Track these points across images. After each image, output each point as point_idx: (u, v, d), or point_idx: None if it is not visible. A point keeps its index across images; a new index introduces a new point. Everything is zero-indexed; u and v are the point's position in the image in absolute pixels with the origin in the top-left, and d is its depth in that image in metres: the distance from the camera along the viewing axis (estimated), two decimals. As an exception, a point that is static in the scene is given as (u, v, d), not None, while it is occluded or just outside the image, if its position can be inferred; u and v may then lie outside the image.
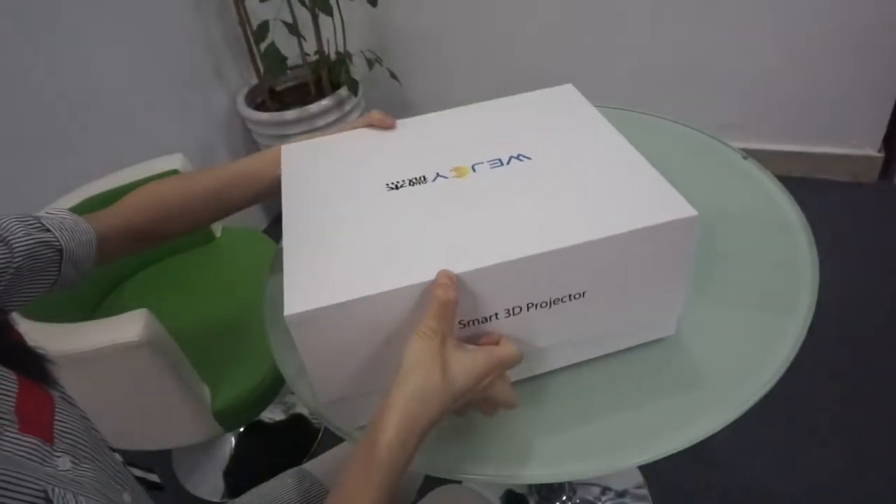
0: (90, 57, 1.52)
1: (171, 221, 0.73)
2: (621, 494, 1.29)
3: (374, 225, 0.60)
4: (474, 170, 0.66)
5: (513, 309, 0.57)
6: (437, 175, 0.66)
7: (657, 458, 0.58)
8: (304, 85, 2.00)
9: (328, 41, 1.90)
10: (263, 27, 1.76)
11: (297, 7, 1.80)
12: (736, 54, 1.82)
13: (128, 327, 0.91)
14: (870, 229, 1.78)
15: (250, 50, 1.90)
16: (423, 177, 0.66)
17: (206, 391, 1.09)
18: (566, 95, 0.81)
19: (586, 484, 1.30)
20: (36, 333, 0.85)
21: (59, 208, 0.65)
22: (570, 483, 1.29)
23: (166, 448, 1.16)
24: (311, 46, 1.90)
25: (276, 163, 0.72)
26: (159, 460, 1.51)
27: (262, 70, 1.93)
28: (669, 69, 1.92)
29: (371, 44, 2.11)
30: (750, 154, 0.90)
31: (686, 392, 0.63)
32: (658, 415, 0.62)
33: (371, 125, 0.77)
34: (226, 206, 0.75)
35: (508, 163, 0.66)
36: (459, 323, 0.56)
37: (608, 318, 0.62)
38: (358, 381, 0.58)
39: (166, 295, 1.32)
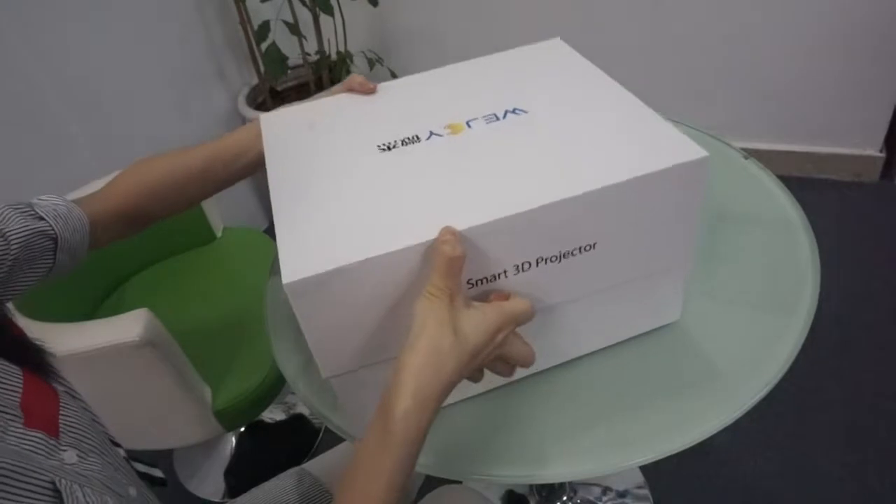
0: (90, 56, 1.52)
1: (161, 201, 0.72)
2: (622, 495, 1.29)
3: (370, 186, 0.56)
4: (469, 126, 0.62)
5: (522, 265, 0.53)
6: (431, 133, 0.61)
7: (658, 458, 0.58)
8: (305, 85, 2.00)
9: (329, 41, 1.90)
10: (264, 27, 1.76)
11: (298, 7, 1.80)
12: (736, 53, 1.82)
13: (128, 327, 0.91)
14: (871, 229, 1.78)
15: (251, 50, 1.90)
16: (416, 136, 0.61)
17: (207, 391, 1.09)
18: (556, 48, 0.78)
19: (587, 484, 1.30)
20: (37, 332, 0.86)
21: (51, 194, 0.64)
22: (570, 483, 1.29)
23: (168, 448, 1.16)
24: (311, 46, 1.90)
25: (260, 134, 0.69)
26: (160, 460, 1.51)
27: (262, 70, 1.93)
28: (670, 68, 1.91)
29: (372, 44, 2.11)
30: (751, 153, 0.90)
31: (687, 392, 0.63)
32: (659, 415, 0.62)
33: (351, 90, 0.73)
34: (214, 182, 0.73)
35: (504, 117, 0.63)
36: (467, 283, 0.53)
37: (619, 267, 0.59)
38: (364, 352, 0.55)
39: (167, 295, 1.32)
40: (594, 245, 0.55)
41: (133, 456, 0.57)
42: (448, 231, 0.49)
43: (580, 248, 0.54)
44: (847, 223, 1.79)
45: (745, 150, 0.91)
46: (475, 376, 0.54)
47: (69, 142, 1.49)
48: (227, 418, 1.11)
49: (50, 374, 0.49)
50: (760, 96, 1.88)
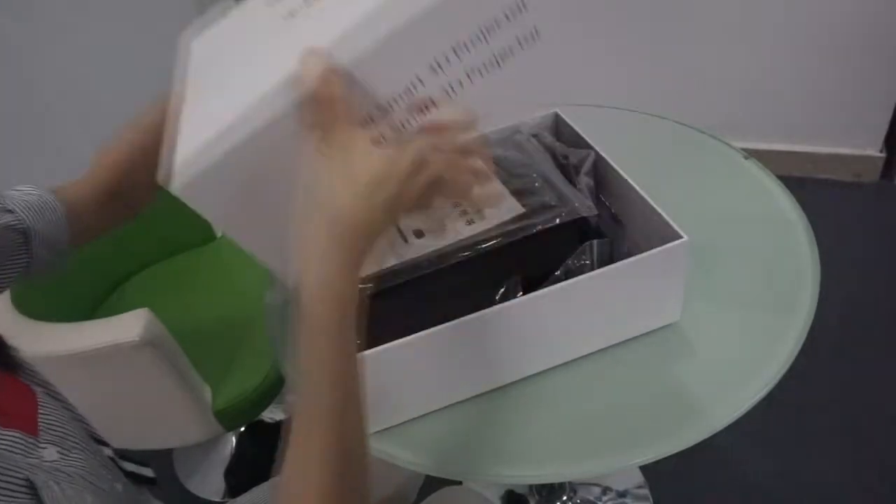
0: (92, 57, 1.52)
1: (136, 169, 0.62)
2: (622, 494, 1.29)
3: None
4: None
5: (436, 63, 0.40)
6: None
7: (658, 458, 0.58)
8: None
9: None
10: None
11: None
12: (737, 54, 1.82)
13: (128, 327, 0.91)
14: (871, 229, 1.78)
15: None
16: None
17: (207, 391, 1.09)
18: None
19: (587, 484, 1.30)
20: (37, 333, 0.86)
21: (25, 185, 0.59)
22: (570, 483, 1.29)
23: (168, 448, 1.16)
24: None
25: None
26: (160, 460, 1.51)
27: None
28: (671, 68, 1.91)
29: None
30: (751, 154, 0.90)
31: (687, 392, 0.63)
32: (659, 415, 0.62)
33: None
34: None
35: None
36: (378, 114, 0.41)
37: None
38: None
39: (167, 295, 1.31)
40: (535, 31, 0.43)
41: (123, 455, 0.57)
42: (310, 58, 0.38)
43: (506, 15, 0.41)
44: (847, 223, 1.79)
45: (745, 150, 0.91)
46: (420, 201, 0.41)
47: (74, 139, 1.49)
48: (227, 418, 1.11)
49: (27, 376, 0.49)
50: (761, 96, 1.88)
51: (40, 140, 1.42)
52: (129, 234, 1.27)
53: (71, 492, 0.40)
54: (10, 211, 0.54)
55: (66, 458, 0.44)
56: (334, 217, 0.38)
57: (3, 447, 0.40)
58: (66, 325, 0.95)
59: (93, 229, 0.64)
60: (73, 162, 1.45)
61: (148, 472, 0.60)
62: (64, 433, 0.46)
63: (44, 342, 0.91)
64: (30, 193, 0.57)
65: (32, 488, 0.38)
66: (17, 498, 0.37)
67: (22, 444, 0.42)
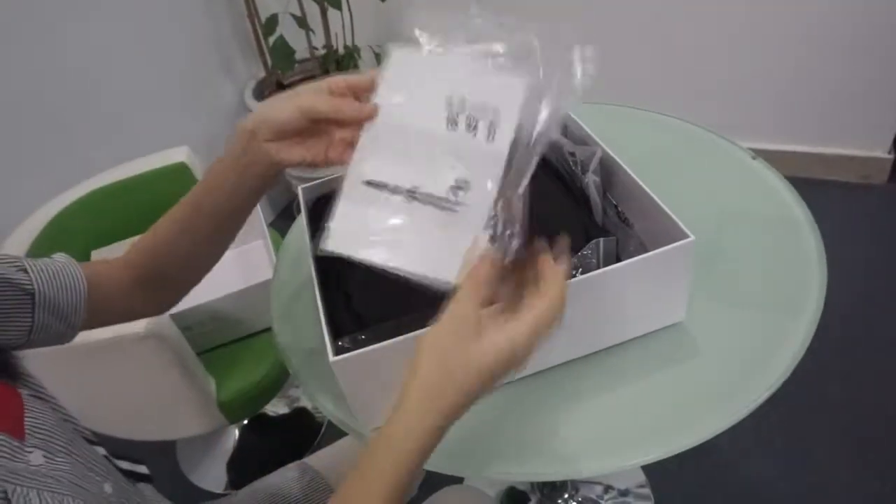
0: (97, 50, 1.52)
1: (169, 254, 0.63)
2: (624, 493, 1.29)
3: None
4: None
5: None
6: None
7: (661, 457, 0.58)
8: (312, 78, 2.00)
9: (336, 35, 1.90)
10: (272, 21, 1.75)
11: (306, 0, 1.80)
12: (745, 53, 1.81)
13: (133, 319, 0.91)
14: (879, 231, 1.77)
15: (258, 43, 1.90)
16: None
17: (212, 383, 1.09)
18: None
19: (589, 482, 1.30)
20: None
21: (60, 254, 0.58)
22: (572, 481, 1.29)
23: (172, 439, 1.16)
24: (319, 40, 1.90)
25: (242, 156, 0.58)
26: (163, 451, 1.52)
27: (270, 63, 1.93)
28: (679, 68, 1.91)
29: (379, 38, 2.11)
30: (759, 154, 0.90)
31: (691, 391, 0.63)
32: (662, 414, 0.61)
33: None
34: (215, 216, 0.61)
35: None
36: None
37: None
38: None
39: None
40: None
41: (117, 454, 0.57)
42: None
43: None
44: (854, 225, 1.78)
45: (752, 150, 0.90)
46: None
47: (75, 134, 1.50)
48: (230, 410, 1.11)
49: (15, 377, 0.49)
50: (769, 96, 1.87)
51: (47, 133, 1.43)
52: (130, 225, 1.28)
53: (51, 500, 0.40)
54: (24, 271, 0.53)
55: (52, 461, 0.44)
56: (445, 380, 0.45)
57: None
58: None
59: (116, 313, 0.63)
60: (81, 156, 1.46)
61: (143, 469, 0.60)
62: (50, 435, 0.46)
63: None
64: (55, 261, 0.56)
65: (6, 500, 0.38)
66: None
67: (7, 447, 0.41)
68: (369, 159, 0.54)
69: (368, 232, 0.52)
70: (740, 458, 1.31)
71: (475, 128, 0.54)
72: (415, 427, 0.45)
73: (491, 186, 0.52)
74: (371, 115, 0.55)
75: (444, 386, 0.45)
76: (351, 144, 0.56)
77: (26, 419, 0.45)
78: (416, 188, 0.53)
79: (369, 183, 0.54)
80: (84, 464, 0.48)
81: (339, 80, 0.57)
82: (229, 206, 0.61)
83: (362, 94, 0.57)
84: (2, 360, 0.49)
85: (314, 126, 0.56)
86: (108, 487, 0.49)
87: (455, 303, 0.47)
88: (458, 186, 0.53)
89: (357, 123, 0.56)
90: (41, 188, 1.22)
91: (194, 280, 0.67)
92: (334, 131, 0.57)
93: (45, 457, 0.44)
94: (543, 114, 0.53)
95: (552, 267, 0.49)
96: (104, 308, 0.60)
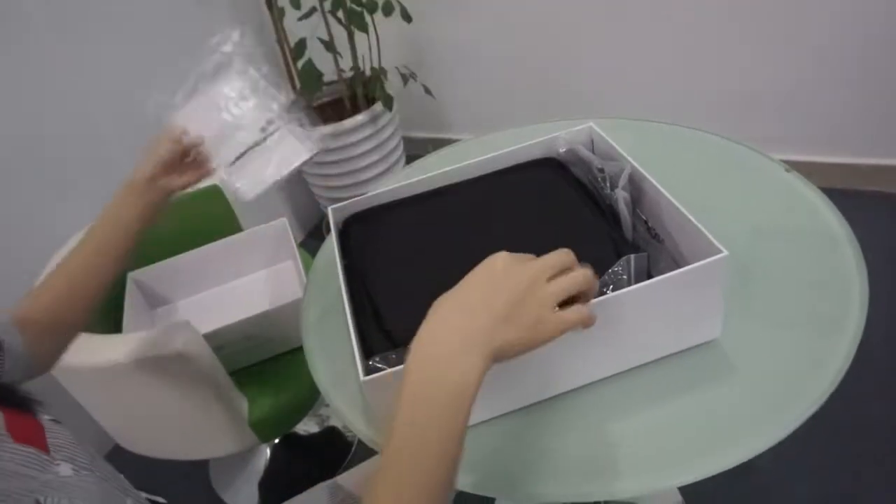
0: (135, 73, 1.58)
1: (76, 298, 0.72)
2: (659, 515, 1.26)
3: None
4: None
5: None
6: None
7: (698, 479, 0.56)
8: (340, 100, 2.03)
9: (363, 57, 1.93)
10: (301, 45, 1.79)
11: (334, 24, 1.83)
12: (778, 65, 1.78)
13: (168, 339, 0.93)
14: (921, 243, 1.71)
15: (287, 67, 1.94)
16: None
17: (244, 402, 1.11)
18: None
19: (623, 503, 1.27)
20: (78, 344, 0.88)
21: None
22: (606, 502, 1.26)
23: (205, 458, 1.18)
24: (346, 63, 1.93)
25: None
26: (197, 471, 1.53)
27: (298, 86, 1.97)
28: (711, 83, 1.89)
29: (406, 59, 2.14)
30: (793, 166, 0.88)
31: (728, 411, 0.61)
32: (698, 434, 0.60)
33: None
34: (121, 253, 0.74)
35: None
36: None
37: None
38: None
39: (205, 307, 1.34)
40: None
41: (136, 486, 0.58)
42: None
43: None
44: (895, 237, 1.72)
45: (786, 162, 0.89)
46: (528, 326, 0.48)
47: (114, 156, 1.54)
48: (262, 430, 1.12)
49: (28, 408, 0.50)
50: (803, 107, 1.84)
51: (83, 148, 1.48)
52: (165, 248, 1.30)
53: None
54: None
55: (79, 474, 0.45)
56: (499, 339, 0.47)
57: (19, 462, 0.41)
58: (107, 337, 0.97)
59: (44, 350, 0.70)
60: (113, 170, 1.50)
61: (160, 500, 0.62)
62: (74, 452, 0.47)
63: (85, 354, 0.93)
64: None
65: None
66: None
67: (37, 460, 0.43)
68: (221, 153, 0.78)
69: (255, 173, 0.76)
70: (780, 480, 1.27)
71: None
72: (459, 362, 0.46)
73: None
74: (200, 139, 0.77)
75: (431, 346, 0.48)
76: (204, 160, 0.77)
77: (48, 439, 0.47)
78: (253, 143, 0.79)
79: (236, 159, 0.78)
80: (106, 480, 0.49)
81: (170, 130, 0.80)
82: (131, 243, 0.75)
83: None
84: (17, 396, 0.51)
85: (179, 159, 0.76)
86: (130, 502, 0.50)
87: None
88: (264, 127, 0.81)
89: (197, 146, 0.77)
90: (80, 212, 1.26)
91: (79, 327, 0.76)
92: (186, 159, 0.77)
93: (72, 469, 0.45)
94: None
95: None
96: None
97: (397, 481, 0.44)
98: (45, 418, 0.49)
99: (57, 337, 0.73)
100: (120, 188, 0.75)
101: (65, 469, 0.44)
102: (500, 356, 0.47)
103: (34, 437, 0.46)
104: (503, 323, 0.47)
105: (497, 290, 0.48)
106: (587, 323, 0.50)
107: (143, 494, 0.59)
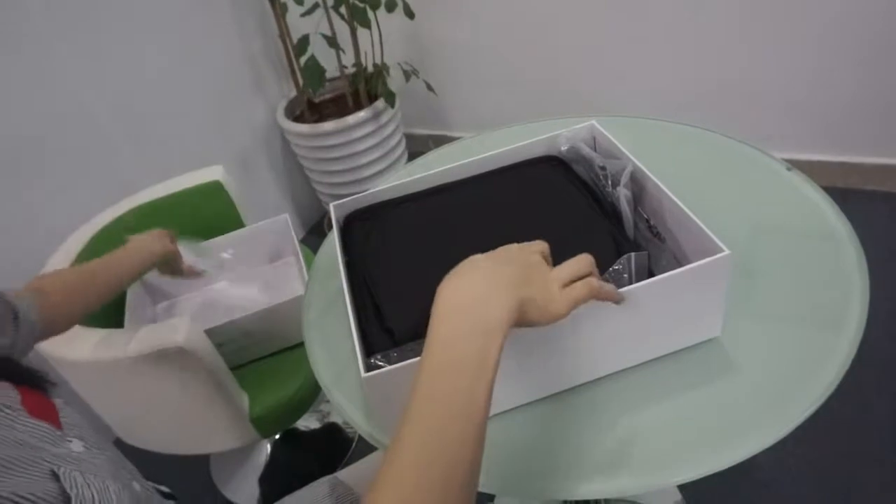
0: (136, 71, 1.58)
1: (59, 309, 0.78)
2: (659, 513, 1.26)
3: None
4: None
5: None
6: None
7: (698, 476, 0.56)
8: (342, 97, 2.03)
9: (366, 53, 1.93)
10: (304, 41, 1.79)
11: (337, 20, 1.83)
12: (779, 64, 1.78)
13: (170, 334, 0.93)
14: (923, 243, 1.71)
15: (290, 63, 1.94)
16: None
17: (245, 398, 1.11)
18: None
19: (623, 501, 1.27)
20: (83, 339, 0.89)
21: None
22: (606, 500, 1.26)
23: (205, 453, 1.18)
24: (349, 59, 1.93)
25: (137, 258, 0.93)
26: (197, 466, 1.54)
27: (301, 83, 1.97)
28: (713, 81, 1.88)
29: (408, 56, 2.14)
30: (794, 165, 0.88)
31: (729, 409, 0.61)
32: (699, 431, 0.60)
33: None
34: (111, 289, 0.88)
35: None
36: None
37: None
38: None
39: (206, 303, 1.34)
40: None
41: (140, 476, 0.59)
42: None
43: None
44: (897, 236, 1.72)
45: (787, 160, 0.89)
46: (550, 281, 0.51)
47: (116, 155, 1.55)
48: (263, 425, 1.12)
49: (43, 388, 0.52)
50: (804, 105, 1.83)
51: (88, 152, 1.48)
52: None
53: (94, 479, 0.42)
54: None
55: (90, 451, 0.46)
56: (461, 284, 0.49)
57: (36, 436, 0.42)
58: (109, 332, 0.98)
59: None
60: (119, 172, 1.51)
61: (165, 489, 0.64)
62: (84, 432, 0.49)
63: (87, 348, 0.94)
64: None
65: (56, 478, 0.39)
66: (42, 483, 0.38)
67: (50, 434, 0.44)
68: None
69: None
70: (781, 478, 1.27)
71: None
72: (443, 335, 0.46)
73: None
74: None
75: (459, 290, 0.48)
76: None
77: (61, 417, 0.48)
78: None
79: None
80: (114, 462, 0.50)
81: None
82: (124, 283, 0.92)
83: None
84: (33, 375, 0.52)
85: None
86: (136, 486, 0.51)
87: None
88: None
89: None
90: (83, 206, 1.27)
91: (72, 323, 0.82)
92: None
93: (84, 446, 0.46)
94: None
95: None
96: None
97: (423, 437, 0.42)
98: (58, 401, 0.51)
99: (69, 310, 0.80)
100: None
101: (77, 445, 0.45)
102: (523, 312, 0.48)
103: (48, 414, 0.47)
104: (524, 283, 0.49)
105: (511, 261, 0.51)
106: (602, 293, 0.53)
107: (150, 483, 0.60)
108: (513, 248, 0.53)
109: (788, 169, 0.88)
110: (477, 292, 0.47)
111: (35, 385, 0.50)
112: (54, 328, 0.77)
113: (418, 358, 0.56)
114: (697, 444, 0.59)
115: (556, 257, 0.55)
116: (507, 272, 0.49)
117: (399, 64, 2.01)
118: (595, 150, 0.82)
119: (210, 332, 1.02)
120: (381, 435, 0.66)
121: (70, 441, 0.45)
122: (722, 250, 0.59)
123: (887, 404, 1.36)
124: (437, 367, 0.44)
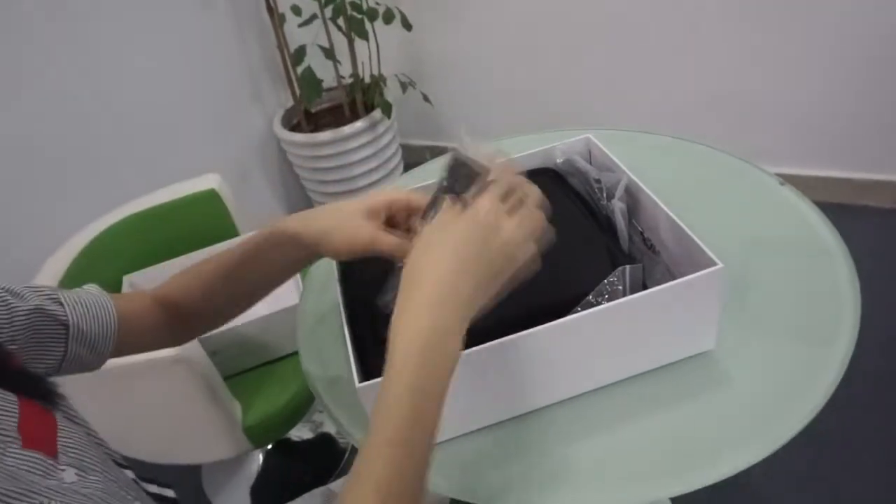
0: (132, 78, 1.58)
1: (207, 296, 0.67)
2: (652, 526, 1.26)
3: None
4: None
5: None
6: None
7: (691, 489, 0.56)
8: (339, 107, 2.04)
9: (363, 64, 1.94)
10: (300, 51, 1.80)
11: (334, 31, 1.84)
12: (773, 79, 1.80)
13: (163, 342, 0.93)
14: (914, 258, 1.73)
15: (287, 73, 1.95)
16: None
17: (238, 407, 1.10)
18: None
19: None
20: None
21: (91, 285, 0.62)
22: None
23: (198, 463, 1.17)
24: (346, 69, 1.94)
25: (316, 224, 0.65)
26: (188, 476, 1.53)
27: (298, 92, 1.98)
28: (709, 95, 1.90)
29: (405, 67, 2.15)
30: (787, 179, 0.88)
31: (721, 422, 0.62)
32: (691, 444, 0.60)
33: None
34: (265, 270, 0.67)
35: None
36: None
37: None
38: None
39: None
40: None
41: (145, 477, 0.58)
42: None
43: None
44: (889, 252, 1.74)
45: (780, 175, 0.89)
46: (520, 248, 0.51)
47: (112, 163, 1.55)
48: (255, 435, 1.12)
49: (48, 400, 0.51)
50: (797, 120, 1.85)
51: (83, 160, 1.48)
52: (163, 250, 1.30)
53: None
54: (59, 303, 0.57)
55: (85, 479, 0.45)
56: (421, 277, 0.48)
57: (24, 468, 0.41)
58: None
59: (142, 344, 0.66)
60: (116, 180, 1.51)
61: (170, 493, 0.62)
62: (82, 455, 0.47)
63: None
64: (88, 292, 0.60)
65: None
66: None
67: (41, 465, 0.43)
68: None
69: None
70: (774, 492, 1.27)
71: None
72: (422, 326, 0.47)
73: None
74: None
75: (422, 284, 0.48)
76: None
77: (59, 439, 0.47)
78: None
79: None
80: (116, 483, 0.49)
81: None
82: (278, 276, 0.69)
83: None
84: (38, 386, 0.51)
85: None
86: None
87: None
88: None
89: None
90: (79, 213, 1.26)
91: (221, 322, 0.72)
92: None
93: (77, 475, 0.45)
94: None
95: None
96: (131, 340, 0.63)
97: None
98: (60, 416, 0.50)
99: (171, 327, 0.67)
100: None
101: (69, 475, 0.44)
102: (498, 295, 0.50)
103: (45, 436, 0.46)
104: (487, 290, 0.50)
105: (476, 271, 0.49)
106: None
107: (153, 488, 0.58)
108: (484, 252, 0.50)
109: (781, 184, 0.89)
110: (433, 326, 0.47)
111: (41, 397, 0.49)
112: (182, 331, 0.69)
113: None
114: (689, 457, 0.59)
115: (551, 270, 0.56)
116: (467, 290, 0.48)
117: (396, 75, 2.02)
118: (590, 163, 0.83)
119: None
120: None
121: (62, 470, 0.44)
122: (715, 264, 0.60)
123: (878, 418, 1.36)
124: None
